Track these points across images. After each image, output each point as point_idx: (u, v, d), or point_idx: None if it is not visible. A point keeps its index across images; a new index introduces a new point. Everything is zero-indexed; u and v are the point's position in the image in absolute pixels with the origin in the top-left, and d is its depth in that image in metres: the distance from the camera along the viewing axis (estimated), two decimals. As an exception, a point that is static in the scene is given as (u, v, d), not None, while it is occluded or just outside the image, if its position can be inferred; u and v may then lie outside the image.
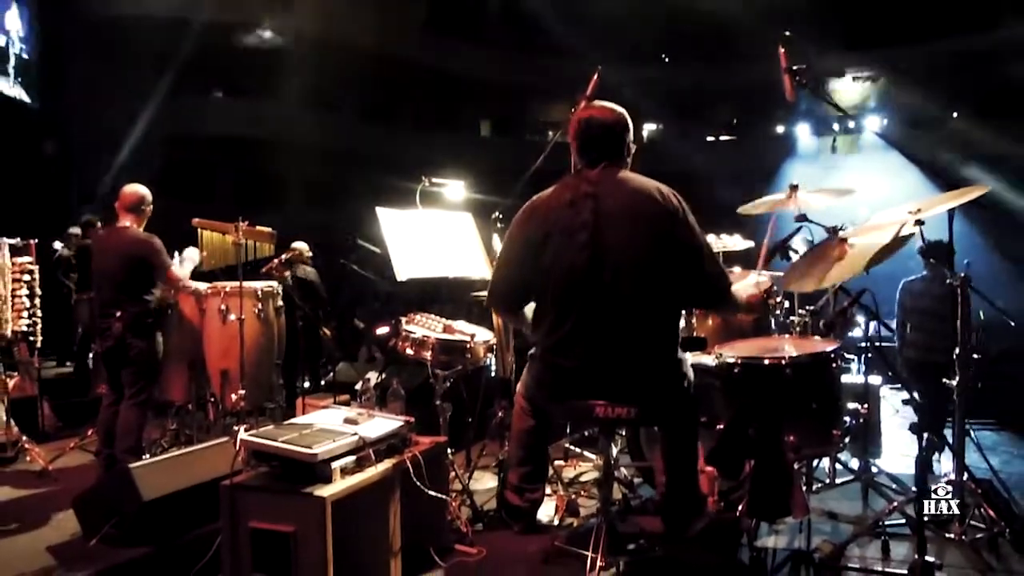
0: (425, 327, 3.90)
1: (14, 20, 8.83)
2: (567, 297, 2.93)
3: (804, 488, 3.58)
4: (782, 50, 3.61)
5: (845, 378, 4.40)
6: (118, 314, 4.38)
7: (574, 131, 3.07)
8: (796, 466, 3.34)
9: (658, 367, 2.95)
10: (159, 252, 4.44)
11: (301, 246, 8.02)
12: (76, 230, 7.63)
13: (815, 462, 4.16)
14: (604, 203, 2.90)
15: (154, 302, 4.52)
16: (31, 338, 5.23)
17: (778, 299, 4.40)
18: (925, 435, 2.72)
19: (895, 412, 6.03)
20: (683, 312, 4.31)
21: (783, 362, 3.44)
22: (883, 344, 5.58)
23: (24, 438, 5.02)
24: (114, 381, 4.52)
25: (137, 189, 4.60)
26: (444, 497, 3.41)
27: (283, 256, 5.75)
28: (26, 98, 9.06)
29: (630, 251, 2.87)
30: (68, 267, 7.53)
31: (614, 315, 2.87)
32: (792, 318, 4.33)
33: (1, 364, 5.08)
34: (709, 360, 3.67)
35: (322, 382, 7.51)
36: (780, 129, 11.34)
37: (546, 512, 3.74)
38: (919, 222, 3.18)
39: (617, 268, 2.86)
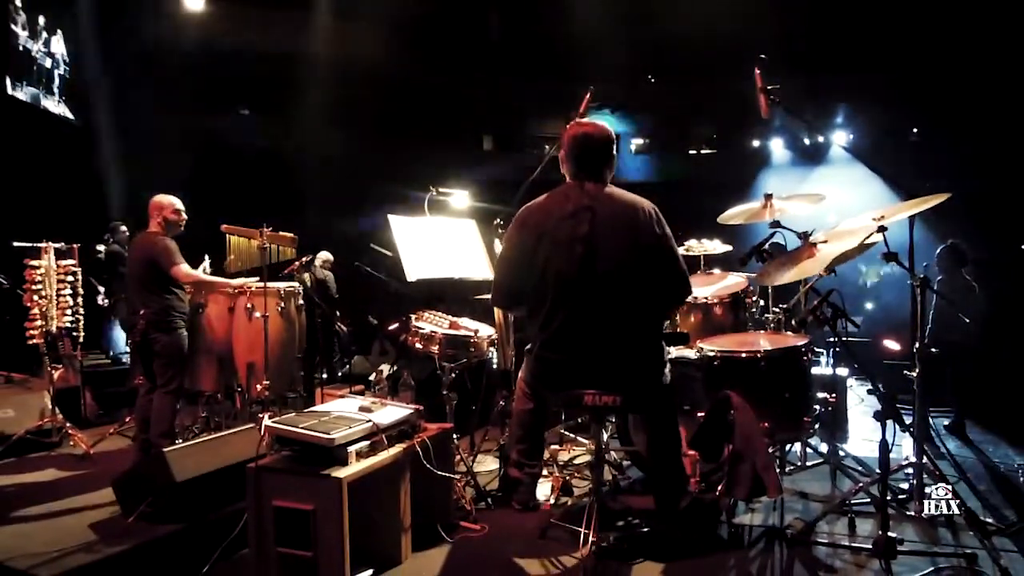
0: (433, 323, 3.90)
1: (59, 44, 8.84)
2: (560, 297, 2.94)
3: (777, 470, 3.57)
4: (757, 72, 3.61)
5: (815, 370, 4.41)
6: (142, 312, 4.39)
7: (572, 145, 3.07)
8: (770, 450, 3.34)
9: (641, 361, 2.96)
10: (165, 252, 4.40)
11: (324, 255, 8.08)
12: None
13: (787, 446, 4.17)
14: (600, 215, 2.94)
15: (177, 300, 4.51)
16: (74, 333, 5.23)
17: (754, 298, 4.40)
18: (888, 422, 2.72)
19: (860, 401, 6.03)
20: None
21: (758, 355, 3.45)
22: (849, 340, 5.57)
23: (68, 424, 5.01)
24: (147, 372, 4.52)
25: (159, 198, 4.57)
26: (450, 478, 3.42)
27: (303, 259, 5.75)
28: (70, 115, 9.06)
29: (619, 259, 2.90)
30: (100, 268, 7.53)
31: (602, 315, 2.90)
32: (767, 315, 4.34)
33: (47, 357, 5.08)
34: (691, 354, 3.68)
35: (339, 374, 7.51)
36: (756, 143, 11.30)
37: (543, 492, 3.75)
38: (882, 228, 3.19)
39: (607, 273, 2.89)
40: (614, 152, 3.12)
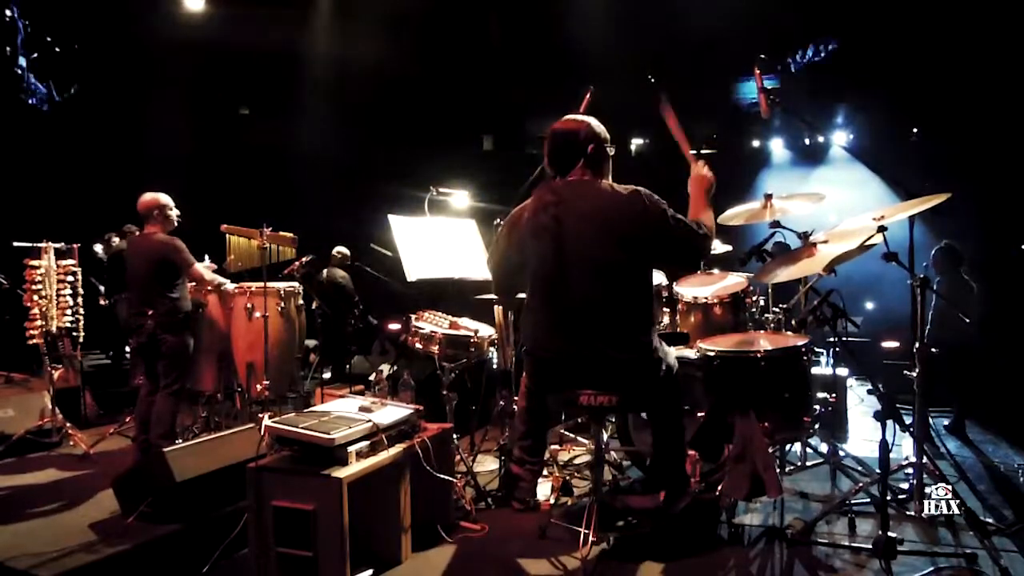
0: (433, 324, 3.91)
1: (58, 45, 8.86)
2: (541, 295, 2.93)
3: (777, 470, 3.58)
4: (757, 72, 3.61)
5: (815, 370, 4.42)
6: (149, 312, 4.39)
7: (545, 147, 3.08)
8: (770, 450, 3.34)
9: (633, 356, 2.89)
10: (180, 251, 4.44)
11: (342, 250, 8.03)
12: (115, 237, 7.64)
13: (787, 446, 4.17)
14: (566, 208, 2.88)
15: (182, 300, 4.52)
16: (74, 333, 5.24)
17: (754, 298, 4.40)
18: (888, 422, 2.72)
19: (860, 401, 6.04)
20: (666, 308, 4.32)
21: (758, 355, 3.45)
22: (849, 340, 5.58)
23: (68, 424, 5.02)
24: (150, 373, 4.52)
25: (151, 196, 4.55)
26: (450, 478, 3.42)
27: (303, 259, 5.75)
28: (71, 117, 9.08)
29: (589, 251, 2.83)
30: (100, 269, 7.55)
31: (581, 310, 2.84)
32: (767, 315, 4.34)
33: (48, 357, 5.08)
34: (691, 353, 3.68)
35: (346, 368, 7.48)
36: (756, 143, 11.28)
37: (543, 492, 3.75)
38: (882, 228, 3.19)
39: (578, 266, 2.84)
40: (587, 144, 2.96)
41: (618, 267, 2.84)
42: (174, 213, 4.61)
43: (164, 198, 4.57)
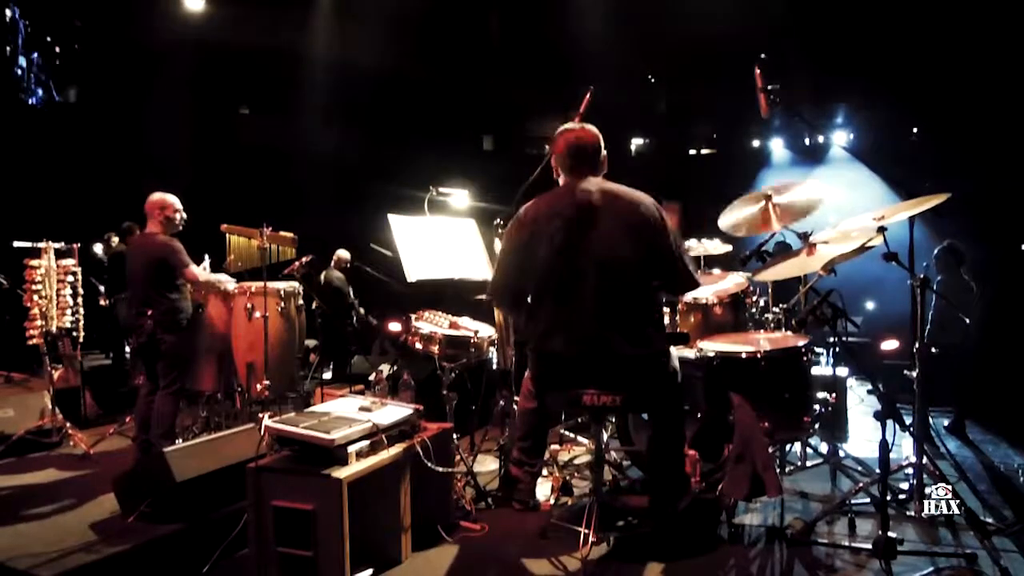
0: (433, 324, 3.90)
1: (58, 46, 8.88)
2: (549, 292, 2.93)
3: (777, 470, 3.58)
4: (758, 71, 3.61)
5: (815, 370, 4.41)
6: (149, 312, 4.38)
7: (567, 150, 3.10)
8: (770, 450, 3.34)
9: (644, 352, 2.91)
10: (176, 252, 4.43)
11: (342, 254, 8.06)
12: (115, 237, 7.64)
13: (787, 446, 4.16)
14: (592, 204, 2.93)
15: (182, 300, 4.51)
16: (74, 333, 5.24)
17: (754, 298, 4.40)
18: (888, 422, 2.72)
19: (860, 401, 6.03)
20: (666, 308, 4.32)
21: (758, 355, 3.45)
22: (849, 340, 5.58)
23: (68, 424, 5.02)
24: (150, 372, 4.52)
25: (158, 196, 4.55)
26: (450, 477, 3.42)
27: (303, 259, 5.75)
28: (71, 116, 9.08)
29: (608, 248, 2.86)
30: (100, 269, 7.55)
31: (593, 307, 2.85)
32: (767, 315, 4.34)
33: (48, 357, 5.08)
34: (691, 354, 3.68)
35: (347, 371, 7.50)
36: (756, 143, 11.29)
37: (543, 492, 3.75)
38: (882, 228, 3.19)
39: (590, 263, 2.86)
40: (595, 153, 3.10)
41: (630, 266, 2.87)
42: (179, 216, 4.58)
43: (171, 199, 4.56)
